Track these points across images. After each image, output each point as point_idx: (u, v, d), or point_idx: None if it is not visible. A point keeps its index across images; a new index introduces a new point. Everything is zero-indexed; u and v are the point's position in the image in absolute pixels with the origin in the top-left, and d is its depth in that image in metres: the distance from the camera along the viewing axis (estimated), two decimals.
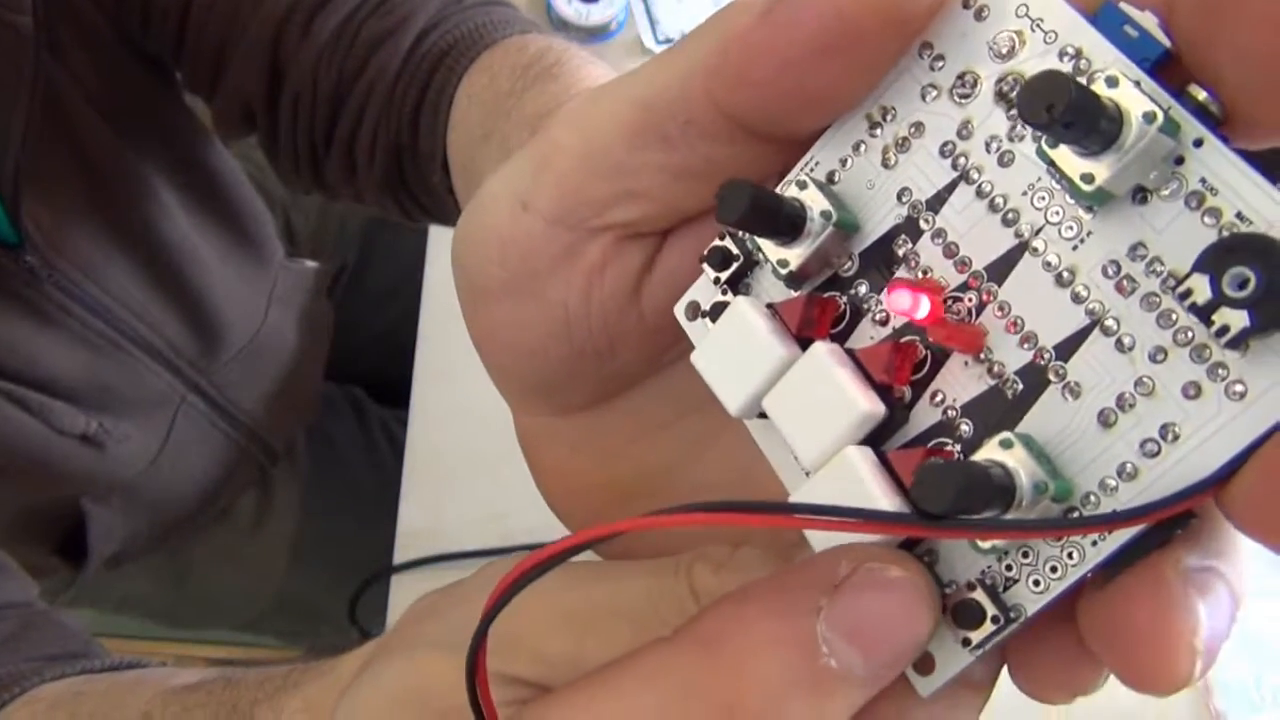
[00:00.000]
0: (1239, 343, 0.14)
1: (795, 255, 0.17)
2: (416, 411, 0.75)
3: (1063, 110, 0.13)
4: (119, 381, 0.63)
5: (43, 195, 0.53)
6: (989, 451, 0.15)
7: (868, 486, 0.16)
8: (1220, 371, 0.14)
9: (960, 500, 0.14)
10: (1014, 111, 0.16)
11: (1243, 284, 0.13)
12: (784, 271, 0.18)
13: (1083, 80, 0.14)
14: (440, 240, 0.79)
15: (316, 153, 0.53)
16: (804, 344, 0.17)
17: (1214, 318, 0.13)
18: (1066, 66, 0.15)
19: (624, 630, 0.18)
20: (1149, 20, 0.15)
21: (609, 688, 0.16)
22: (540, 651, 0.18)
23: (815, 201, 0.17)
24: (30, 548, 0.71)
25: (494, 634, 0.16)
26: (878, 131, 0.17)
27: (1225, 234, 0.14)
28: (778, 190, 0.18)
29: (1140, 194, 0.15)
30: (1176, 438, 0.14)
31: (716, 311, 0.19)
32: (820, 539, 0.17)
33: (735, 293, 0.19)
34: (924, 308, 0.16)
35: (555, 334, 0.20)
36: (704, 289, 0.19)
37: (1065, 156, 0.15)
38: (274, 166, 0.57)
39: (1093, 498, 0.15)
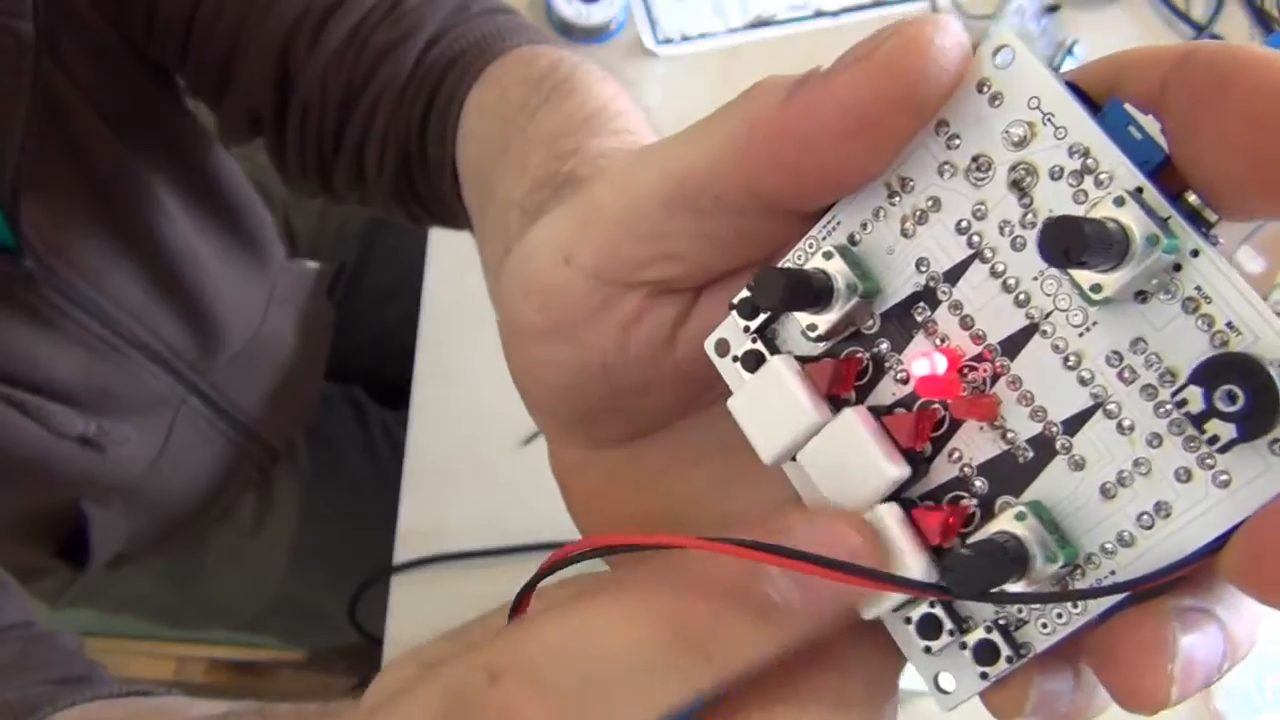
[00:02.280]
0: (1227, 449, 0.15)
1: (824, 321, 0.19)
2: (416, 411, 0.75)
3: (1079, 253, 0.15)
4: (118, 384, 0.63)
5: (42, 200, 0.53)
6: (1005, 523, 0.17)
7: (897, 544, 0.18)
8: (1209, 462, 0.16)
9: (989, 582, 0.16)
10: (1026, 199, 0.17)
11: (1232, 399, 0.15)
12: (813, 335, 0.19)
13: (1092, 186, 0.16)
14: (440, 240, 0.79)
15: (325, 159, 0.53)
16: (832, 400, 0.19)
17: (1206, 427, 0.15)
18: (1075, 163, 0.16)
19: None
20: (1152, 125, 0.16)
21: (574, 608, 0.17)
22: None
23: (842, 273, 0.19)
24: (32, 550, 0.71)
25: (492, 629, 0.18)
26: (896, 200, 0.18)
27: (1217, 342, 0.15)
28: (800, 252, 0.19)
29: (1141, 295, 0.16)
30: (1168, 515, 0.16)
31: (749, 359, 0.20)
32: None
33: (764, 340, 0.20)
34: (941, 365, 0.18)
35: (593, 376, 0.22)
36: (732, 329, 0.20)
37: (1076, 271, 0.16)
38: (280, 171, 0.56)
39: (1094, 559, 0.17)
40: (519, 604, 0.19)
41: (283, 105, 0.52)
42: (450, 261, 0.78)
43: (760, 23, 0.84)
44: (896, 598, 0.18)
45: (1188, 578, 0.16)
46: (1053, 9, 0.83)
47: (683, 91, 0.82)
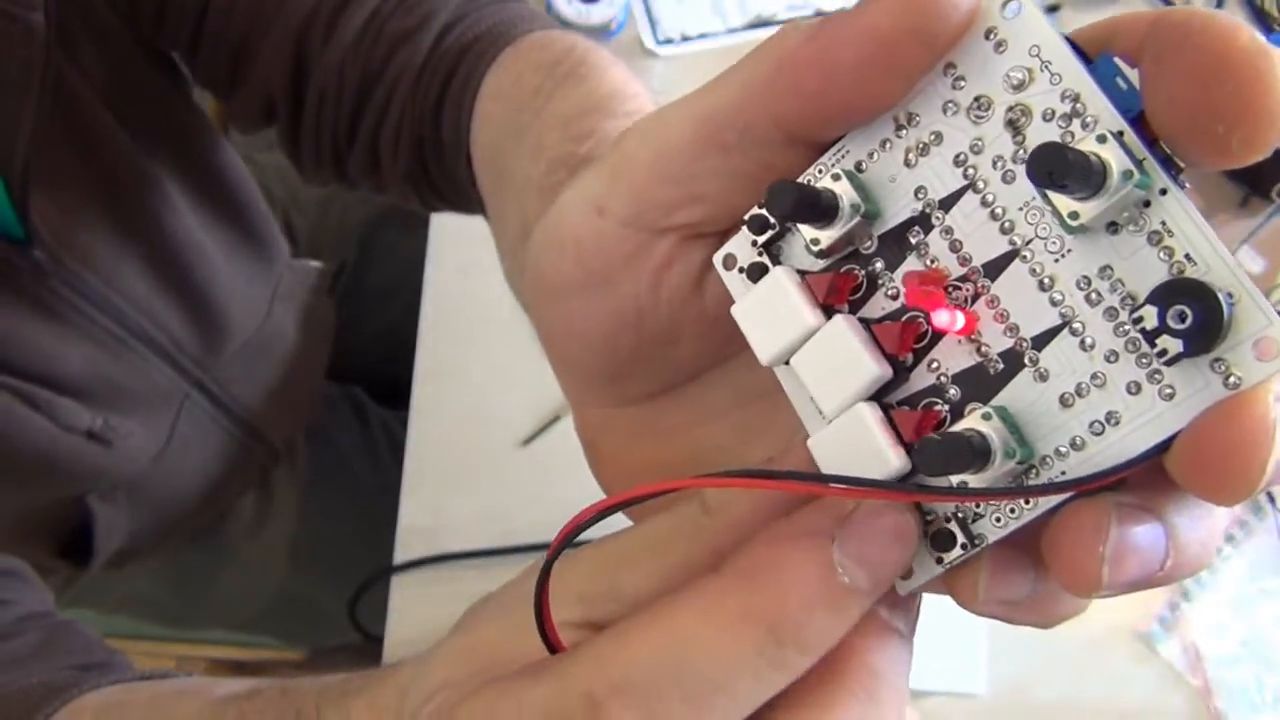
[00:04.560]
0: (1173, 363, 0.17)
1: (826, 236, 0.21)
2: (416, 411, 0.75)
3: (1061, 176, 0.17)
4: (124, 378, 0.63)
5: (51, 191, 0.53)
6: (972, 421, 0.19)
7: (876, 437, 0.20)
8: (1157, 376, 0.18)
9: (949, 466, 0.18)
10: (1020, 137, 0.19)
11: (1182, 318, 0.17)
12: (816, 249, 0.21)
13: (1079, 128, 0.18)
14: (440, 240, 0.79)
15: (339, 147, 0.53)
16: (827, 310, 0.21)
17: (1158, 341, 0.17)
18: (1066, 107, 0.18)
19: (648, 559, 0.21)
20: (1136, 77, 0.18)
21: (664, 619, 0.18)
22: (582, 593, 0.21)
23: (847, 194, 0.20)
24: (34, 549, 0.71)
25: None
26: (902, 133, 0.20)
27: (1174, 270, 0.17)
28: (812, 174, 0.21)
29: (1113, 226, 0.18)
30: (1118, 423, 0.18)
31: (754, 271, 0.22)
32: (829, 464, 0.21)
33: (769, 254, 0.22)
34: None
35: (626, 323, 0.23)
36: (741, 245, 0.22)
37: (1057, 196, 0.18)
38: (294, 161, 0.57)
39: (1048, 460, 0.19)
40: (542, 587, 0.20)
41: (298, 94, 0.53)
42: (450, 261, 0.78)
43: (760, 23, 0.84)
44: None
45: (1138, 484, 0.18)
46: (1053, 9, 0.83)
47: (683, 91, 0.82)
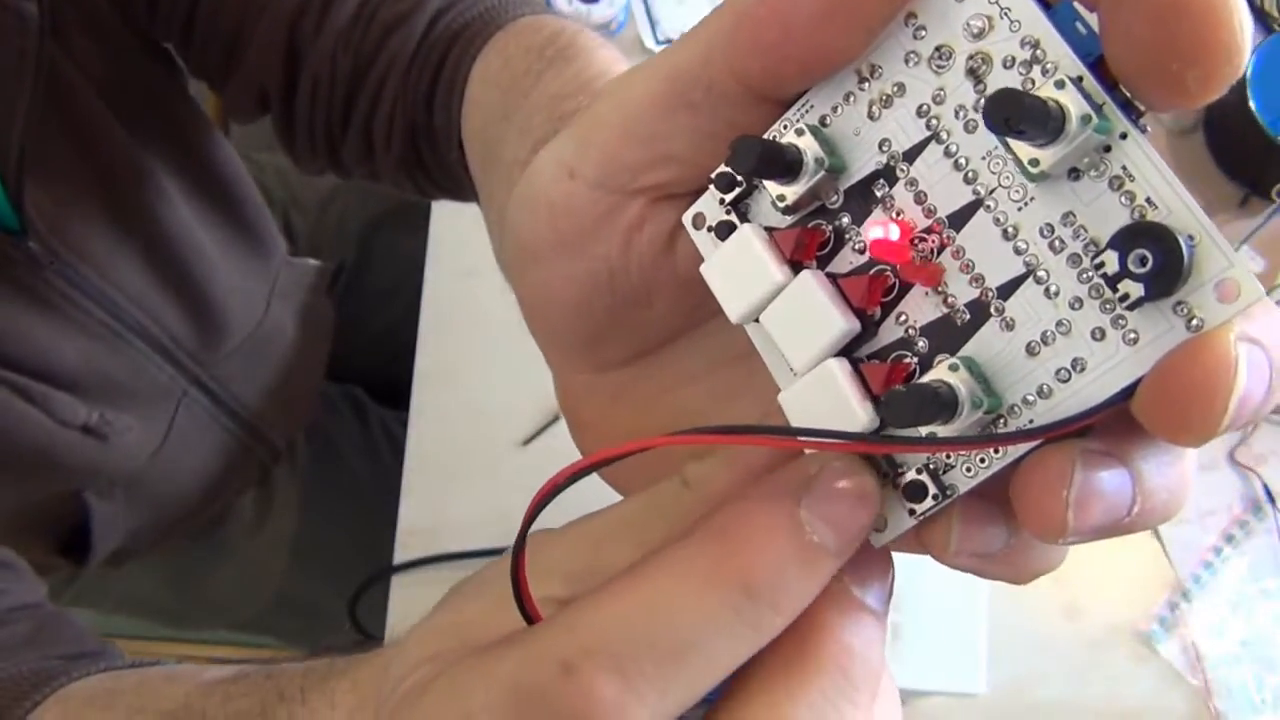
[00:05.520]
0: (1135, 307, 0.17)
1: (792, 192, 0.21)
2: (416, 411, 0.75)
3: (1018, 122, 0.17)
4: (120, 372, 0.63)
5: (45, 181, 0.53)
6: (939, 372, 0.19)
7: (844, 392, 0.20)
8: (1120, 321, 0.18)
9: (918, 418, 0.18)
10: (981, 86, 0.19)
11: (1143, 261, 0.17)
12: (782, 205, 0.21)
13: (1039, 75, 0.18)
14: (440, 241, 0.79)
15: (333, 135, 0.53)
16: (794, 266, 0.21)
17: (1119, 286, 0.17)
18: (1025, 54, 0.18)
19: (630, 534, 0.21)
20: (1095, 21, 0.18)
21: (641, 580, 0.18)
22: (564, 570, 0.21)
23: (811, 148, 0.20)
24: (33, 546, 0.71)
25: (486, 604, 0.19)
26: (865, 86, 0.20)
27: (1136, 215, 0.17)
28: (777, 130, 0.21)
29: (1074, 173, 0.18)
30: (1083, 369, 0.18)
31: (723, 229, 0.22)
32: (799, 419, 0.21)
33: (737, 212, 0.22)
34: (894, 232, 0.20)
35: (599, 285, 0.23)
36: (709, 204, 0.22)
37: (1017, 144, 0.18)
38: (287, 150, 0.57)
39: (1016, 409, 0.19)
40: (518, 556, 0.20)
41: (291, 82, 0.53)
42: (450, 261, 0.78)
43: None
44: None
45: (1105, 431, 0.19)
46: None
47: None
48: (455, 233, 0.79)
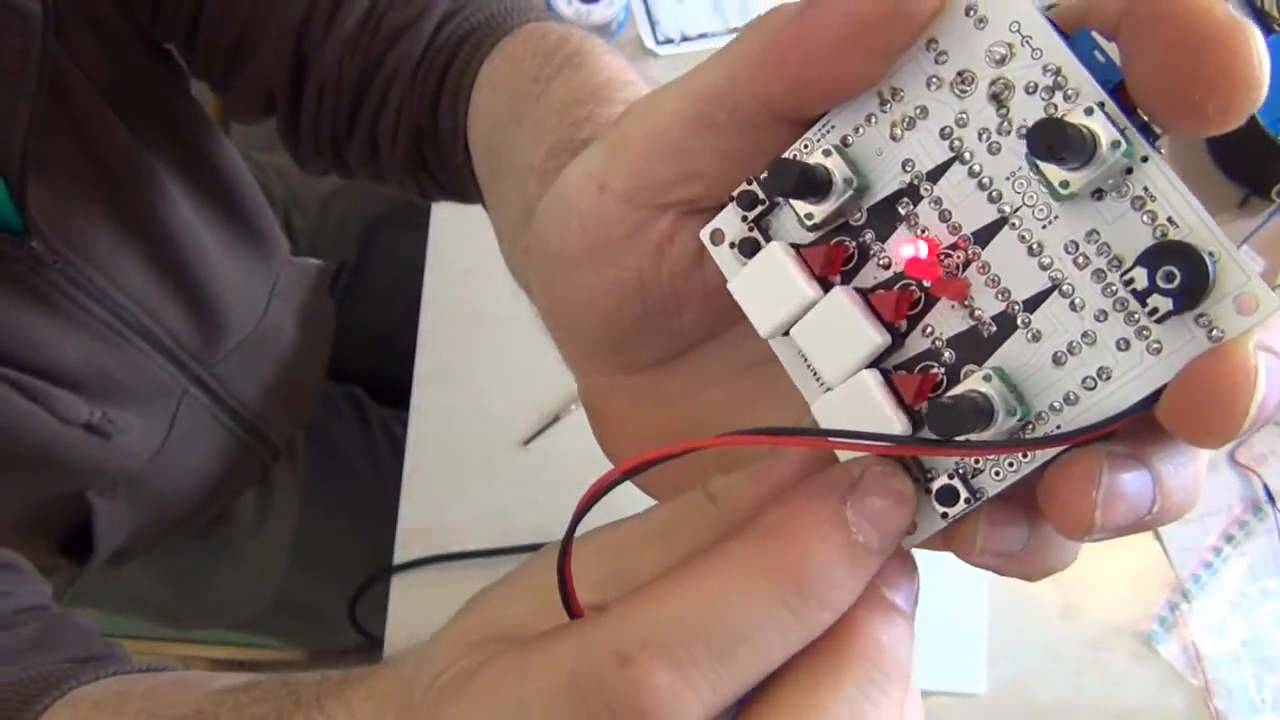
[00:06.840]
0: (1163, 320, 0.18)
1: (820, 210, 0.21)
2: (416, 411, 0.75)
3: (1061, 149, 0.18)
4: (121, 371, 0.63)
5: (48, 181, 0.53)
6: (974, 383, 0.20)
7: (879, 401, 0.21)
8: (1145, 332, 0.19)
9: (961, 428, 0.19)
10: (1004, 110, 0.20)
11: (1170, 278, 0.18)
12: (809, 223, 0.22)
13: (1061, 100, 0.19)
14: (440, 242, 0.79)
15: (339, 137, 0.54)
16: (822, 282, 0.22)
17: (1149, 301, 0.18)
18: (1048, 80, 0.19)
19: (657, 543, 0.21)
20: (1113, 49, 0.19)
21: (692, 577, 0.19)
22: (592, 576, 0.21)
23: (840, 169, 0.21)
24: (36, 546, 0.71)
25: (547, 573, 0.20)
26: (887, 108, 0.21)
27: (1158, 233, 0.18)
28: (798, 149, 0.22)
29: (1098, 193, 0.19)
30: (1109, 378, 0.19)
31: (746, 246, 0.23)
32: (833, 427, 0.22)
33: (759, 229, 0.23)
34: (924, 249, 0.21)
35: (630, 295, 0.24)
36: (729, 221, 0.23)
37: (1048, 167, 0.19)
38: (292, 151, 0.57)
39: (1043, 416, 0.20)
40: (564, 555, 0.20)
41: (298, 85, 0.53)
42: (450, 262, 0.78)
43: None
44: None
45: (1126, 435, 0.19)
46: (1050, 8, 0.83)
47: None
48: (455, 233, 0.79)
